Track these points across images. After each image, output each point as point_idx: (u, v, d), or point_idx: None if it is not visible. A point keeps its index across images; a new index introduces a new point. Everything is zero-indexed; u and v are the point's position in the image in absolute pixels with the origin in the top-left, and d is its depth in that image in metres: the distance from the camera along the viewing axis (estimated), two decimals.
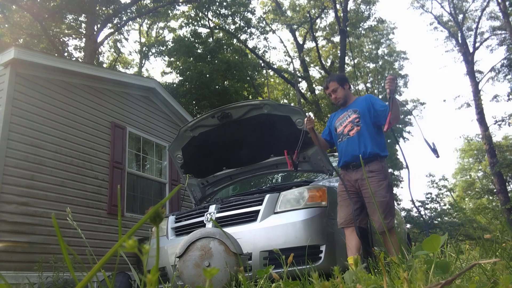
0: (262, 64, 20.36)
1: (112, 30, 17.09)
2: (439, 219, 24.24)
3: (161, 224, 3.63)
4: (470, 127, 68.67)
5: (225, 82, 16.71)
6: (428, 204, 25.25)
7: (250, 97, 18.62)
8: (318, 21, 22.45)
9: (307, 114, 3.44)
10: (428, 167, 78.52)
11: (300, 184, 3.38)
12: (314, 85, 21.72)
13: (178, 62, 17.48)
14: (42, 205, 4.90)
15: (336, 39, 22.40)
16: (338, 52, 20.49)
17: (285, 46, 25.90)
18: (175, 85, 16.34)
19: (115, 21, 16.58)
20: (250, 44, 22.78)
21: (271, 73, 22.62)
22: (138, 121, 6.93)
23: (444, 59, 66.23)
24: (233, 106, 3.86)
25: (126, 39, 22.59)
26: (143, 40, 22.86)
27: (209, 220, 3.31)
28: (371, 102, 3.17)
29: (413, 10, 37.64)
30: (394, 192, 3.31)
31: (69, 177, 5.36)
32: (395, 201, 6.08)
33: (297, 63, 23.45)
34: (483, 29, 27.87)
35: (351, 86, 3.47)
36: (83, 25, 16.23)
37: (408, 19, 73.58)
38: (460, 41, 22.14)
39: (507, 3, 19.02)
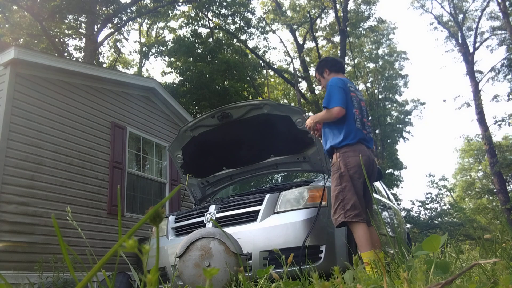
0: (262, 64, 20.36)
1: (112, 30, 17.09)
2: (439, 219, 24.25)
3: (161, 224, 3.64)
4: (470, 127, 68.73)
5: (225, 82, 16.70)
6: (428, 204, 25.27)
7: (250, 97, 18.61)
8: (318, 21, 22.47)
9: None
10: (428, 167, 78.59)
11: (300, 184, 3.38)
12: (314, 85, 21.71)
13: (178, 62, 17.48)
14: (42, 205, 4.90)
15: (336, 39, 22.41)
16: (338, 52, 20.48)
17: (285, 46, 25.92)
18: (175, 85, 16.34)
19: (115, 21, 16.59)
20: (250, 44, 22.81)
21: (271, 73, 22.62)
22: (138, 121, 6.93)
23: (444, 59, 66.32)
24: (233, 106, 3.86)
25: (126, 39, 22.63)
26: (143, 40, 22.87)
27: (209, 220, 3.31)
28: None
29: (413, 10, 37.67)
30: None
31: (69, 177, 5.36)
32: (394, 201, 6.08)
33: (297, 63, 23.48)
34: (483, 29, 27.95)
35: (331, 68, 3.19)
36: (83, 25, 16.24)
37: (408, 19, 73.65)
38: (460, 41, 22.15)
39: (507, 3, 19.02)
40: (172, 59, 18.03)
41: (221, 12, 18.69)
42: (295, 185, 3.32)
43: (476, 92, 20.59)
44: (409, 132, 28.12)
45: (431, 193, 25.82)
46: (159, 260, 1.54)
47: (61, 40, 17.59)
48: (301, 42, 22.29)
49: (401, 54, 27.77)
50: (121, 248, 0.46)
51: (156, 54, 19.94)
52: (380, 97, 26.99)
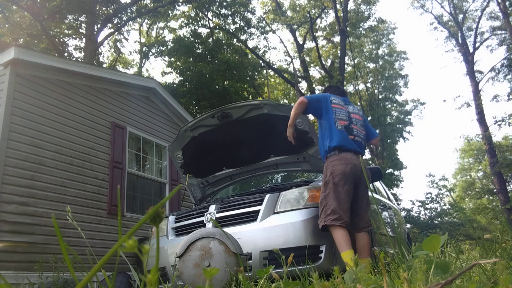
0: (262, 64, 20.34)
1: (112, 30, 17.09)
2: (439, 219, 24.25)
3: (161, 224, 3.63)
4: (470, 127, 68.73)
5: (225, 82, 16.70)
6: (428, 204, 25.26)
7: (250, 97, 18.60)
8: (318, 21, 22.45)
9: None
10: (428, 167, 78.58)
11: (300, 184, 3.38)
12: (314, 85, 21.70)
13: (178, 62, 17.48)
14: (42, 205, 4.90)
15: (336, 39, 22.40)
16: (338, 52, 20.48)
17: (285, 46, 25.92)
18: (175, 85, 16.34)
19: (115, 21, 16.58)
20: (250, 44, 22.83)
21: (271, 73, 22.61)
22: (138, 121, 6.93)
23: (444, 59, 66.30)
24: (233, 106, 3.86)
25: (126, 39, 22.60)
26: (143, 40, 22.87)
27: (209, 220, 3.31)
28: None
29: (413, 10, 37.66)
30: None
31: (69, 177, 5.36)
32: (394, 201, 6.08)
33: (297, 63, 23.46)
34: (483, 29, 27.94)
35: (332, 92, 3.52)
36: (83, 25, 16.23)
37: (408, 19, 73.64)
38: (460, 41, 22.14)
39: (507, 3, 19.01)
40: (172, 59, 18.03)
41: (221, 12, 18.69)
42: (295, 185, 3.31)
43: (476, 92, 20.58)
44: (409, 132, 28.14)
45: (431, 193, 25.83)
46: (159, 260, 1.54)
47: (61, 40, 17.58)
48: (301, 42, 22.27)
49: (401, 54, 27.77)
50: (121, 248, 0.46)
51: (156, 54, 19.95)
52: (380, 97, 26.98)
